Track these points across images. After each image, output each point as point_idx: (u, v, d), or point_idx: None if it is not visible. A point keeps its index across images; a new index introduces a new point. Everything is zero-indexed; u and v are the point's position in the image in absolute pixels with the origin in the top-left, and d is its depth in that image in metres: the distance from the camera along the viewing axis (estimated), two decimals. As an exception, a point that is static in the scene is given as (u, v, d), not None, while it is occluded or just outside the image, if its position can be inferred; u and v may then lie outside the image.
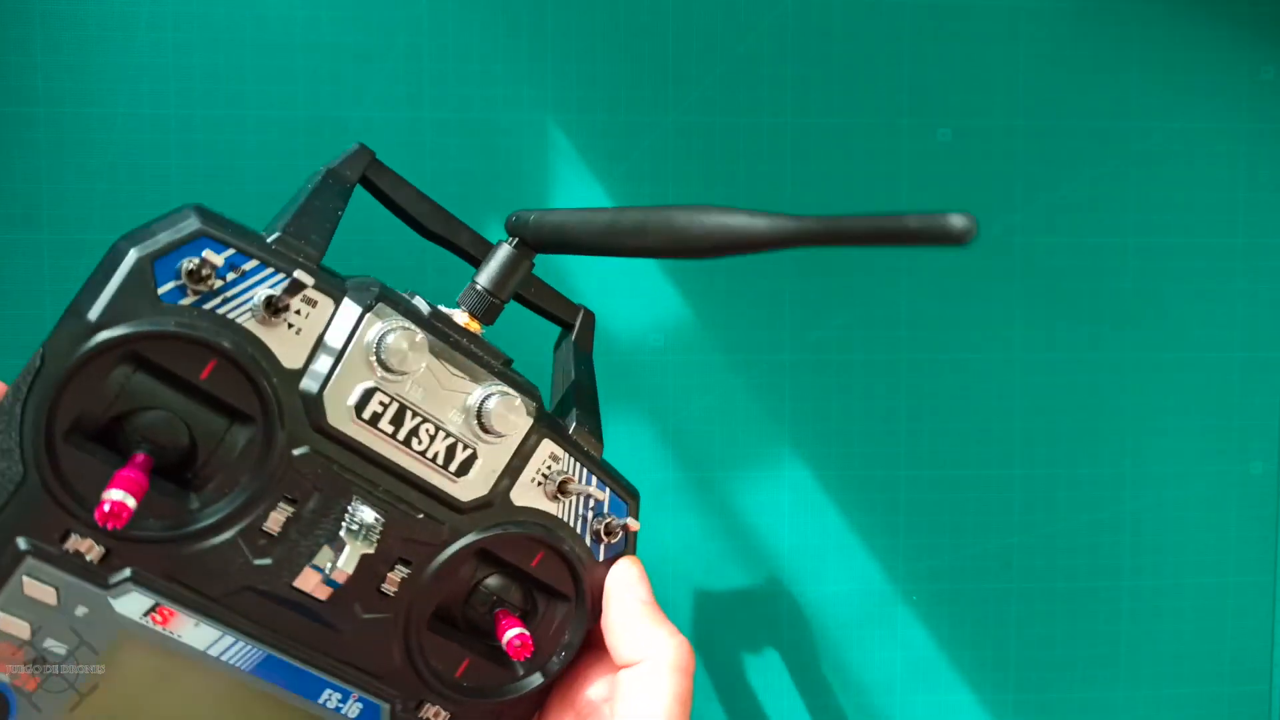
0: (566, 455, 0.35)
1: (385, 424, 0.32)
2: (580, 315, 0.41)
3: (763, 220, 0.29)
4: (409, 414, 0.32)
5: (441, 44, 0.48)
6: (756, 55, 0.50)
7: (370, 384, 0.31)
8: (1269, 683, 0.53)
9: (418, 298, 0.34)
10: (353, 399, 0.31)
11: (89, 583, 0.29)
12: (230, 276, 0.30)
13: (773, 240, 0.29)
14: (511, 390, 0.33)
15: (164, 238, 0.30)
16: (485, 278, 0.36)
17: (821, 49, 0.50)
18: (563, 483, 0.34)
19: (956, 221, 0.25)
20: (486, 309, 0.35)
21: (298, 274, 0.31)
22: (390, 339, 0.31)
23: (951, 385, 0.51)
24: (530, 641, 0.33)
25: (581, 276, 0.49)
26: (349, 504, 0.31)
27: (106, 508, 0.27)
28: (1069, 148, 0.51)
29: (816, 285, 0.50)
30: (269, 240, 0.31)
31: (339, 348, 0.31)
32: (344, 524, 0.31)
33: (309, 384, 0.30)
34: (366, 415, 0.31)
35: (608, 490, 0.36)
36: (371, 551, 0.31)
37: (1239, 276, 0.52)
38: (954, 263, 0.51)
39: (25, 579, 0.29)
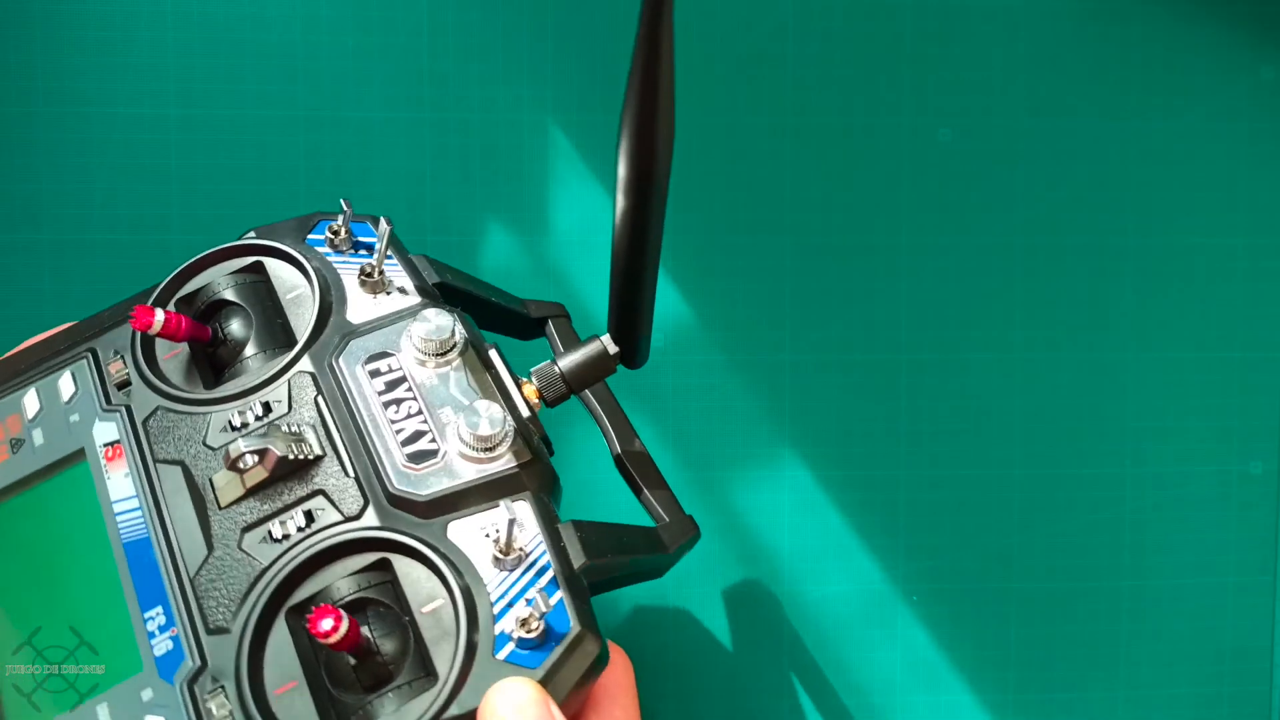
0: (538, 533, 0.29)
1: (380, 382, 0.31)
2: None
3: (633, 80, 0.27)
4: (404, 386, 0.31)
5: (441, 44, 0.48)
6: (756, 55, 0.50)
7: (394, 350, 0.32)
8: (1269, 683, 0.53)
9: (494, 349, 0.34)
10: (372, 349, 0.32)
11: (99, 393, 0.33)
12: (363, 252, 0.35)
13: (650, 65, 0.26)
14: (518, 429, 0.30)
15: (334, 217, 0.36)
16: (568, 364, 0.34)
17: (821, 49, 0.50)
18: (511, 546, 0.28)
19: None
20: (556, 395, 0.34)
21: (418, 262, 0.34)
22: (434, 315, 0.32)
23: (951, 385, 0.51)
24: (355, 630, 0.27)
25: (582, 276, 0.49)
26: (298, 425, 0.31)
27: (135, 315, 0.31)
28: (1069, 148, 0.51)
29: (816, 285, 0.50)
30: (410, 254, 0.36)
31: (394, 320, 0.33)
32: (281, 426, 0.31)
33: (349, 331, 0.33)
34: (371, 367, 0.32)
35: (558, 596, 0.28)
36: (274, 450, 0.29)
37: (1239, 276, 0.52)
38: (954, 263, 0.51)
39: (69, 371, 0.34)
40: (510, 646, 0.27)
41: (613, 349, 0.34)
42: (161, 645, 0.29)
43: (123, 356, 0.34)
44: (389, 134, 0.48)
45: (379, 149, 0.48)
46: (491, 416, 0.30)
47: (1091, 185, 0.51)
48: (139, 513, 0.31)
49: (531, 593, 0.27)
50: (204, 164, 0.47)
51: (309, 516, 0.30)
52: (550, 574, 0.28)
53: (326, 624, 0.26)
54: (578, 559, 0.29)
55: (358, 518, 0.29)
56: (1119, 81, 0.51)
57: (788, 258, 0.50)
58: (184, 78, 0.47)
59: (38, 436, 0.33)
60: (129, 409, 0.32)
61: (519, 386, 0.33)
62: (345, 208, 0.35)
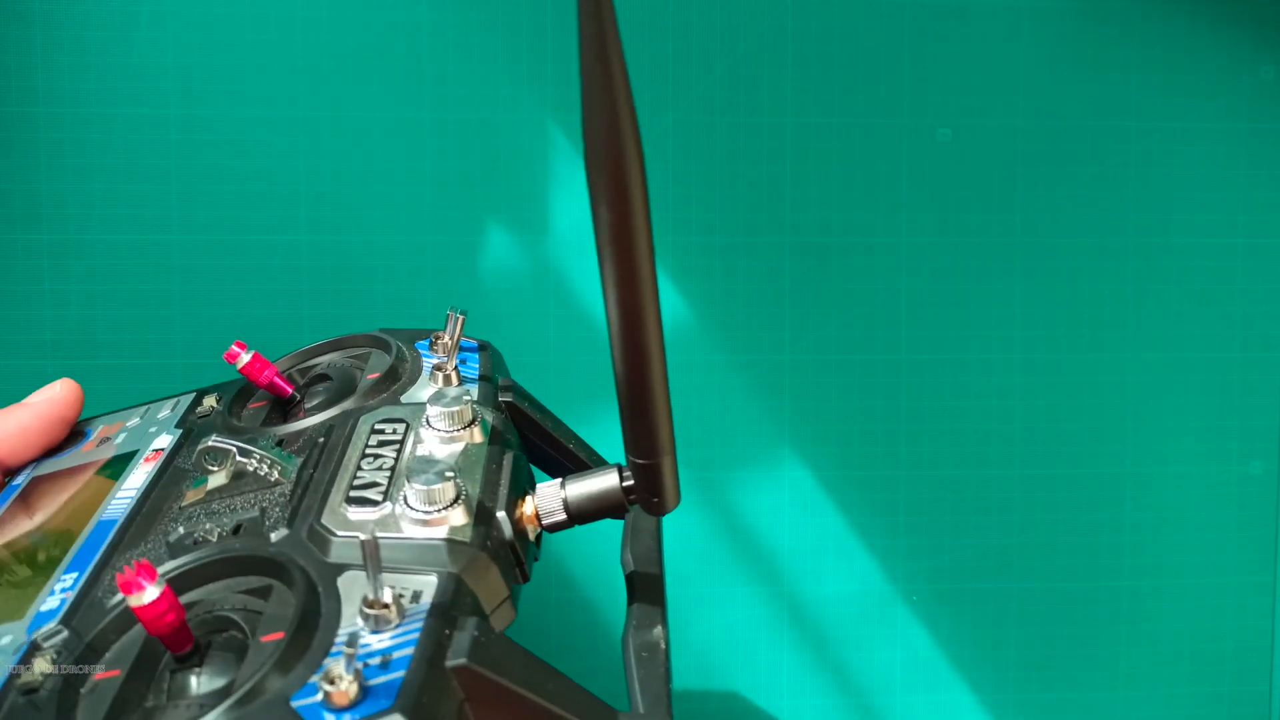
0: (426, 609, 0.24)
1: (376, 439, 0.31)
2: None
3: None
4: (392, 448, 0.30)
5: (441, 44, 0.48)
6: (756, 55, 0.50)
7: (409, 419, 0.32)
8: (1269, 683, 0.53)
9: (510, 454, 0.32)
10: (392, 415, 0.32)
11: (179, 418, 0.37)
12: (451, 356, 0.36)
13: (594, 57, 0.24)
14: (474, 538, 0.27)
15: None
16: (576, 494, 0.30)
17: (821, 49, 0.50)
18: (382, 605, 0.24)
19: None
20: (553, 522, 0.30)
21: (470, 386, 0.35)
22: (453, 391, 0.32)
23: (951, 385, 0.51)
24: (151, 573, 0.24)
25: (581, 276, 0.49)
26: (277, 451, 0.31)
27: (233, 349, 0.35)
28: (1069, 148, 0.51)
29: (816, 285, 0.50)
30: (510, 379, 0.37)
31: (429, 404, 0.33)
32: (258, 439, 0.32)
33: (396, 400, 0.34)
34: (379, 427, 0.32)
35: (400, 674, 0.22)
36: (235, 453, 0.30)
37: (1239, 276, 0.52)
38: (954, 263, 0.51)
39: (175, 401, 0.39)
40: (313, 699, 0.22)
41: (627, 481, 0.30)
42: (49, 604, 0.28)
43: (219, 396, 0.37)
44: (389, 134, 0.48)
45: (379, 149, 0.48)
46: (443, 485, 0.27)
47: (1091, 185, 0.51)
48: (130, 498, 0.32)
49: (375, 660, 0.23)
50: (204, 164, 0.47)
51: (237, 529, 0.28)
52: (409, 651, 0.23)
53: (131, 582, 0.23)
54: (457, 657, 0.23)
55: (269, 541, 0.27)
56: (1119, 82, 0.51)
57: (788, 258, 0.50)
58: (184, 78, 0.47)
59: (120, 440, 0.37)
60: (190, 430, 0.36)
61: (512, 494, 0.30)
62: (454, 324, 0.36)
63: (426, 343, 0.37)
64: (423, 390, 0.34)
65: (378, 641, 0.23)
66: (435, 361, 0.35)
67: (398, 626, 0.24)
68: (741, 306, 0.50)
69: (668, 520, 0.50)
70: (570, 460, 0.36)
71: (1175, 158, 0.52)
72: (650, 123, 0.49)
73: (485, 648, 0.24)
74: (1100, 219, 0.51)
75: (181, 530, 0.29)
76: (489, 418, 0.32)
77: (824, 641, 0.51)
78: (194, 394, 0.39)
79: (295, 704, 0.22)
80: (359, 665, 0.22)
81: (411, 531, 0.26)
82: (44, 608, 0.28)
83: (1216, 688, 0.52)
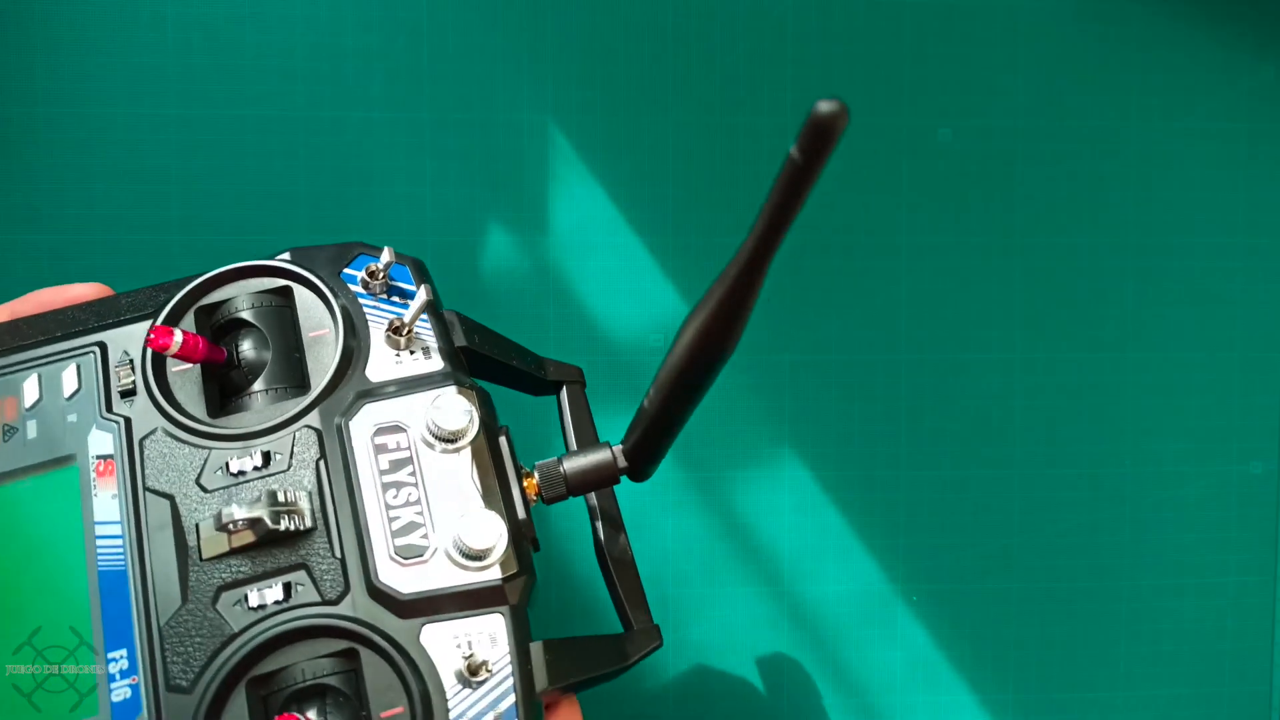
0: (507, 654, 0.29)
1: (385, 460, 0.31)
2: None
3: (720, 289, 0.28)
4: (408, 470, 0.31)
5: (441, 44, 0.48)
6: (756, 55, 0.50)
7: (406, 425, 0.31)
8: (1269, 683, 0.53)
9: (505, 436, 0.33)
10: (383, 421, 0.31)
11: (101, 398, 0.32)
12: (395, 299, 0.34)
13: (741, 289, 0.28)
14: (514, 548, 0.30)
15: (375, 253, 0.35)
16: (574, 468, 0.33)
17: (821, 49, 0.50)
18: (479, 665, 0.29)
19: (822, 108, 0.23)
20: (554, 495, 0.33)
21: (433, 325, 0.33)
22: (451, 402, 0.31)
23: (951, 385, 0.51)
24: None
25: (581, 276, 0.49)
26: (294, 491, 0.30)
27: (154, 335, 0.30)
28: (1069, 148, 0.51)
29: (816, 285, 0.50)
30: (444, 309, 0.35)
31: (412, 388, 0.31)
32: (275, 490, 0.30)
33: (365, 391, 0.32)
34: (380, 440, 0.31)
35: None
36: (266, 520, 0.29)
37: (1239, 276, 0.52)
38: (954, 263, 0.51)
39: (76, 364, 0.32)
40: None
41: (622, 463, 0.34)
42: (120, 692, 0.29)
43: (132, 362, 0.32)
44: (389, 134, 0.48)
45: (379, 149, 0.48)
46: (488, 530, 0.29)
47: (1091, 185, 0.51)
48: (120, 541, 0.30)
49: (489, 717, 0.28)
50: (204, 164, 0.47)
51: (288, 590, 0.29)
52: (511, 700, 0.28)
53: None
54: (541, 683, 0.29)
55: (336, 603, 0.29)
56: (1119, 82, 0.51)
57: (788, 258, 0.50)
58: (184, 78, 0.47)
59: (31, 429, 0.32)
60: (128, 421, 0.32)
61: (521, 481, 0.32)
62: (388, 256, 0.33)
63: (353, 275, 0.34)
64: (385, 363, 0.32)
65: (486, 699, 0.28)
66: (390, 321, 0.32)
67: (493, 677, 0.28)
68: (741, 306, 0.50)
69: (668, 521, 0.51)
70: (521, 377, 0.37)
71: (1175, 158, 0.52)
72: (650, 123, 0.49)
73: (555, 666, 0.29)
74: (1100, 219, 0.51)
75: (229, 593, 0.29)
76: (473, 405, 0.32)
77: (824, 641, 0.51)
78: (88, 348, 0.33)
79: None
80: None
81: (467, 577, 0.29)
82: (115, 698, 0.28)
83: (1216, 688, 0.52)
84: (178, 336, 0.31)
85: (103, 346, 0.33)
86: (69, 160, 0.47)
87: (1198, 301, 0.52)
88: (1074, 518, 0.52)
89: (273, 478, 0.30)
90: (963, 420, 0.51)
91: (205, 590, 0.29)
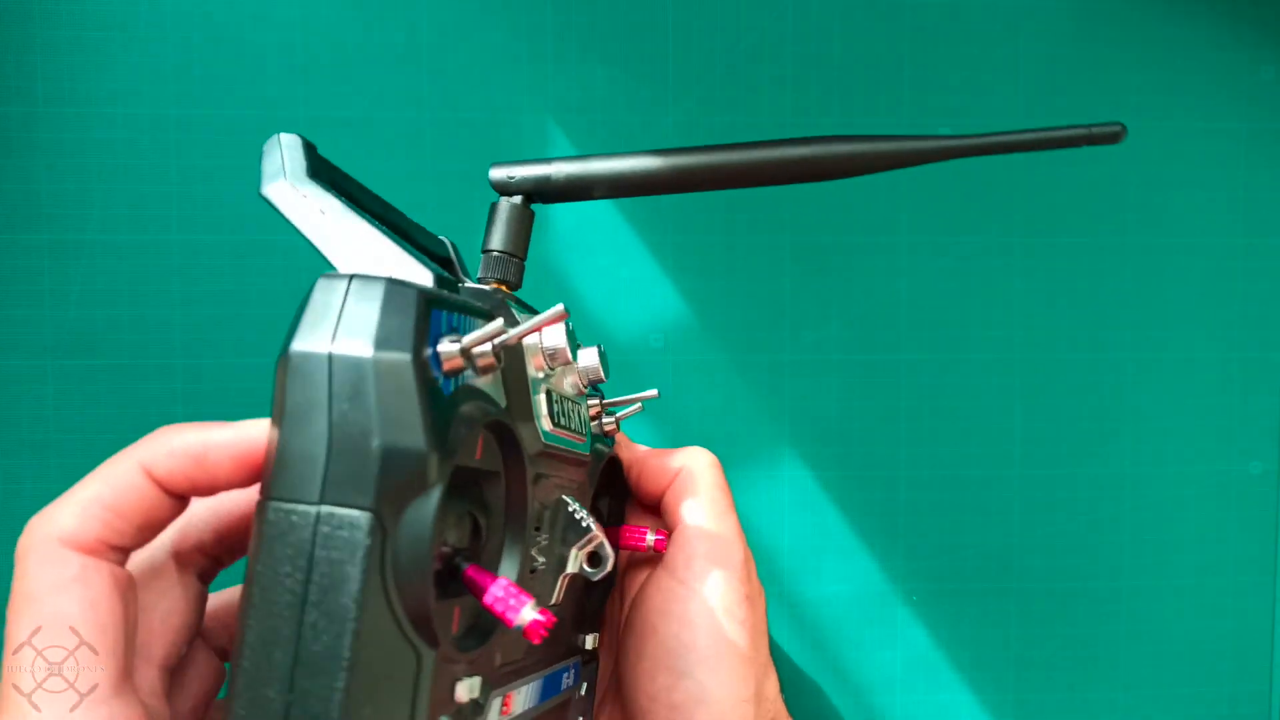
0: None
1: (560, 418, 0.31)
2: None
3: (910, 143, 0.31)
4: (558, 401, 0.32)
5: (441, 44, 0.48)
6: (756, 55, 0.50)
7: (545, 385, 0.31)
8: (1269, 683, 0.53)
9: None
10: (543, 406, 0.30)
11: None
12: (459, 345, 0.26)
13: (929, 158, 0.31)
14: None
15: (405, 328, 0.24)
16: (500, 241, 0.35)
17: (821, 49, 0.50)
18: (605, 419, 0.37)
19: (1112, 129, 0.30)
20: (515, 271, 0.34)
21: (502, 329, 0.26)
22: (555, 339, 0.31)
23: (951, 385, 0.51)
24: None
25: (581, 276, 0.49)
26: (564, 508, 0.31)
27: (528, 624, 0.24)
28: (1069, 148, 0.51)
29: (816, 285, 0.50)
30: (465, 285, 0.33)
31: (521, 366, 0.29)
32: (570, 523, 0.31)
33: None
34: (554, 418, 0.31)
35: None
36: (599, 536, 0.32)
37: (1239, 276, 0.52)
38: (954, 263, 0.51)
39: None
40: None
41: (514, 199, 0.36)
42: (570, 678, 0.36)
43: (460, 680, 0.26)
44: (389, 134, 0.48)
45: (379, 149, 0.48)
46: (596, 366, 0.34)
47: (1091, 185, 0.51)
48: (532, 683, 0.33)
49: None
50: (204, 164, 0.47)
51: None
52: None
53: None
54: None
55: (587, 485, 0.36)
56: (1118, 81, 0.51)
57: (788, 258, 0.50)
58: (184, 78, 0.47)
59: None
60: (485, 678, 0.27)
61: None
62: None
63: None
64: (497, 389, 0.27)
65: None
66: (484, 362, 0.25)
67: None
68: (741, 306, 0.50)
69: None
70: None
71: (1175, 158, 0.52)
72: (650, 123, 0.49)
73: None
74: (1100, 219, 0.51)
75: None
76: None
77: (824, 641, 0.51)
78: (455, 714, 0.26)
79: None
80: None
81: (584, 410, 0.35)
82: None
83: (1216, 688, 0.52)
84: (537, 609, 0.25)
85: None
86: (69, 160, 0.47)
87: (1198, 301, 0.52)
88: (1074, 518, 0.52)
89: (553, 528, 0.32)
90: (963, 420, 0.51)
91: (562, 603, 0.34)
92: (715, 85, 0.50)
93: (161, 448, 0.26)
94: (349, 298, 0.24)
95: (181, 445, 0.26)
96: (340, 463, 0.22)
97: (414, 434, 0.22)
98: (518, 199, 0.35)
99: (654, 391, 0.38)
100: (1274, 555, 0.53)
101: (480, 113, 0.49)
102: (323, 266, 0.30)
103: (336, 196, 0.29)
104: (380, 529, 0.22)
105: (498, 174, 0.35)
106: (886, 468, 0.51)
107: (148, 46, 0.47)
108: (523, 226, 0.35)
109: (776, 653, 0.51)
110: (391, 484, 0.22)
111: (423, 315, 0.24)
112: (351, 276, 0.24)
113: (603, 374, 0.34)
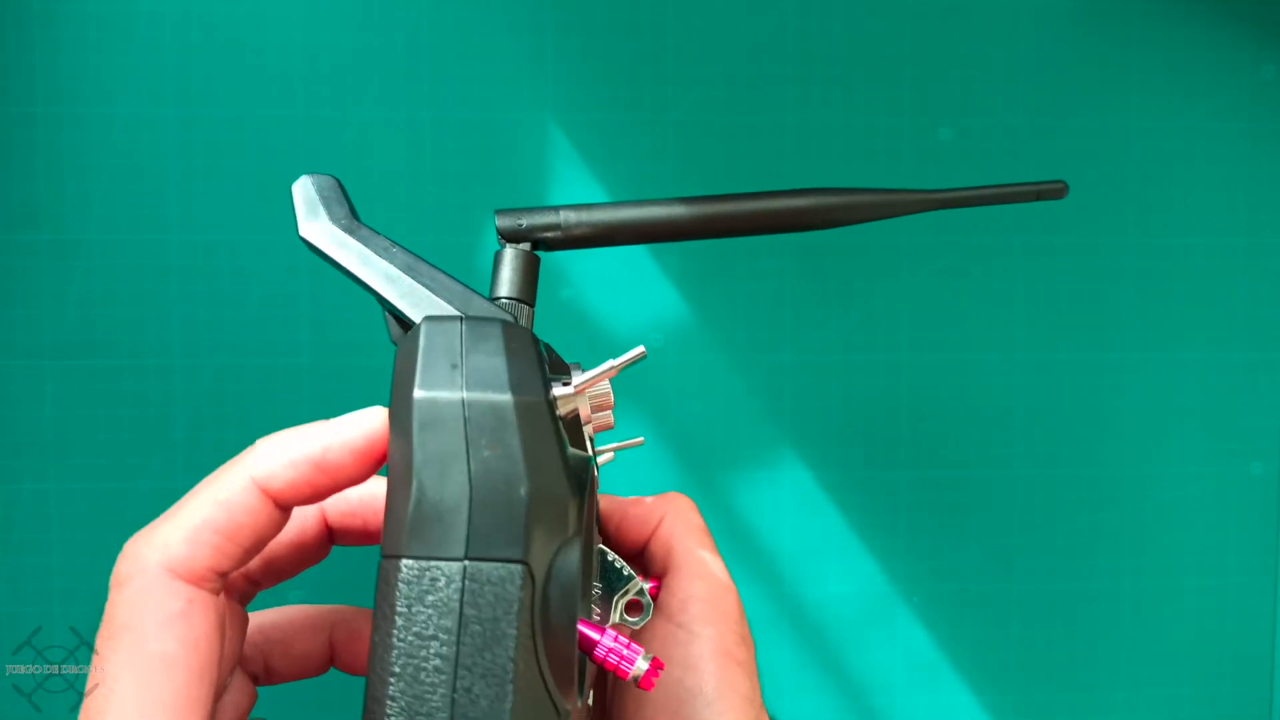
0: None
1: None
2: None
3: (901, 196, 0.33)
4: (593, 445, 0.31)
5: (441, 44, 0.48)
6: (756, 55, 0.50)
7: (590, 424, 0.30)
8: (1269, 683, 0.53)
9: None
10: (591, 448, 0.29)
11: None
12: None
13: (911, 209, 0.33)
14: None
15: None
16: (508, 289, 0.32)
17: (821, 49, 0.50)
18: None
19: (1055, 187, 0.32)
20: (526, 317, 0.32)
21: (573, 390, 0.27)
22: (603, 385, 0.29)
23: (951, 385, 0.51)
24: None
25: (580, 276, 0.49)
26: (604, 556, 0.30)
27: (644, 675, 0.25)
28: (1069, 148, 0.51)
29: (816, 285, 0.50)
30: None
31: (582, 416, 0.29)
32: (612, 572, 0.31)
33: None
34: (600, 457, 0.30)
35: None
36: (640, 583, 0.31)
37: (1239, 276, 0.52)
38: (954, 263, 0.51)
39: None
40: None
41: (520, 245, 0.34)
42: None
43: None
44: (389, 134, 0.48)
45: (379, 149, 0.48)
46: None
47: (1091, 185, 0.51)
48: None
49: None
50: (204, 164, 0.47)
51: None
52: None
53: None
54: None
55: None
56: (1119, 81, 0.51)
57: (788, 258, 0.50)
58: (184, 78, 0.47)
59: None
60: None
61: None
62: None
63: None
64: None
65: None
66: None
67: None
68: (741, 306, 0.50)
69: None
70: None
71: (1175, 158, 0.52)
72: (650, 123, 0.49)
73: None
74: (1100, 219, 0.51)
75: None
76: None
77: (824, 641, 0.50)
78: None
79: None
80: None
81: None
82: None
83: (1216, 688, 0.52)
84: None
85: None
86: (69, 160, 0.47)
87: (1198, 301, 0.52)
88: (1074, 518, 0.52)
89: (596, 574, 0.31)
90: (963, 420, 0.51)
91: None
92: (715, 85, 0.50)
93: (277, 460, 0.24)
94: (465, 340, 0.23)
95: (302, 453, 0.24)
96: (485, 514, 0.21)
97: (557, 479, 0.22)
98: (525, 245, 0.34)
99: (640, 439, 0.35)
100: (1275, 556, 0.53)
101: (480, 113, 0.49)
102: (341, 285, 0.30)
103: (386, 236, 0.29)
104: (531, 581, 0.21)
105: (506, 221, 0.34)
106: (887, 468, 0.51)
107: (148, 46, 0.47)
108: (532, 273, 0.33)
109: (777, 653, 0.51)
110: (538, 533, 0.21)
111: (541, 356, 0.23)
112: (463, 318, 0.23)
113: (611, 421, 0.32)
